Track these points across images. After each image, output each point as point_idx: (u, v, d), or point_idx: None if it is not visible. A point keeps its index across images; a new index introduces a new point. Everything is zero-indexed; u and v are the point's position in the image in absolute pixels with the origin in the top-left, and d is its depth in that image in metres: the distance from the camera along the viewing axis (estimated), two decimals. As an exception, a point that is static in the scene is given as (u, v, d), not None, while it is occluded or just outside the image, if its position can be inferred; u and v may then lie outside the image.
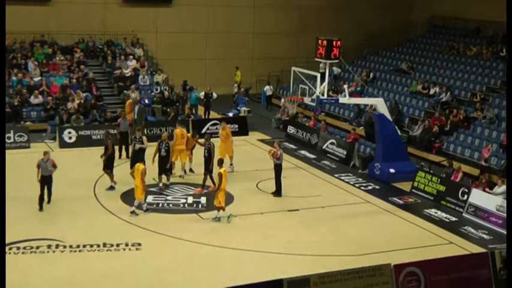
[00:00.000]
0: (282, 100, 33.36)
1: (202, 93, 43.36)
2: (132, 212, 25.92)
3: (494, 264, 20.08)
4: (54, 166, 26.41)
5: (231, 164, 32.61)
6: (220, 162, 26.19)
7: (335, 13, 54.03)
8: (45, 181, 26.26)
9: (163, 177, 29.56)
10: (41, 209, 26.00)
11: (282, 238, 24.45)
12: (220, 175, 25.39)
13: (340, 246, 23.93)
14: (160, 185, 29.37)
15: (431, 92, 41.58)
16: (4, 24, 27.09)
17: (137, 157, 28.72)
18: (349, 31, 51.21)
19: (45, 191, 26.35)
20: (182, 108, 43.03)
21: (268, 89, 49.46)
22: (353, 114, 42.73)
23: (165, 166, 29.38)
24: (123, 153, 33.90)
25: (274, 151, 29.38)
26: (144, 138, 30.39)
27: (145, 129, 37.18)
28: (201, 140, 31.14)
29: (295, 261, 22.29)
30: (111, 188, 29.00)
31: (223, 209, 25.75)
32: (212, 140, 30.11)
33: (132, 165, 28.51)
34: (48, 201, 26.54)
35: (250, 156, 33.24)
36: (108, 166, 29.32)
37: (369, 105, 40.24)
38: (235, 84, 49.84)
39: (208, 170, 29.02)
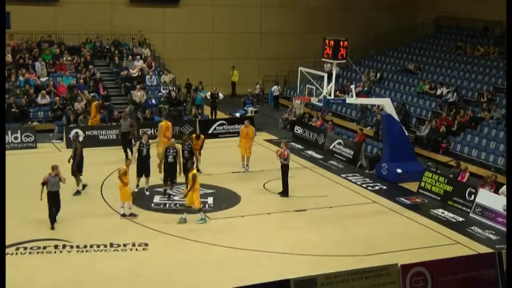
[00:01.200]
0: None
1: (208, 94, 43.39)
2: (123, 215, 25.69)
3: (501, 264, 20.04)
4: (62, 180, 24.72)
5: (247, 165, 32.69)
6: (192, 164, 26.31)
7: (342, 13, 54.02)
8: (55, 198, 24.31)
9: (168, 184, 28.62)
10: (52, 227, 24.27)
11: (289, 238, 24.45)
12: (194, 176, 25.05)
13: (347, 246, 23.91)
14: (168, 191, 28.58)
15: (438, 92, 41.52)
16: (4, 24, 27.02)
17: (145, 163, 28.42)
18: (356, 31, 51.24)
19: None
20: (190, 109, 43.11)
21: (276, 89, 49.42)
22: (359, 114, 42.66)
23: (172, 173, 28.27)
24: (129, 153, 33.85)
25: (281, 151, 29.38)
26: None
27: (152, 130, 37.31)
28: (202, 142, 31.38)
29: (302, 261, 22.27)
30: (78, 192, 28.25)
31: (200, 210, 25.54)
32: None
33: (138, 172, 28.41)
34: (55, 219, 24.56)
35: (257, 157, 33.23)
36: (78, 170, 28.44)
37: (376, 106, 40.25)
38: (258, 86, 49.74)
39: (187, 171, 27.63)
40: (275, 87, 49.62)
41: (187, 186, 26.92)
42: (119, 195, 25.78)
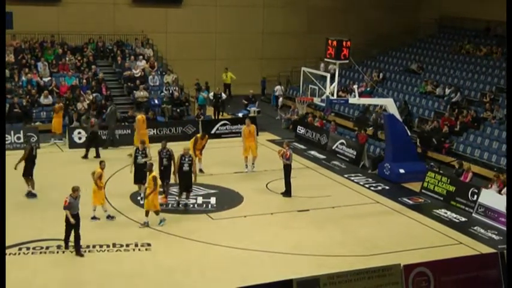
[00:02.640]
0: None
1: (211, 94, 43.38)
2: (108, 217, 25.42)
3: (504, 264, 20.04)
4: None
5: (252, 164, 32.74)
6: (151, 166, 25.28)
7: (344, 14, 53.94)
8: (75, 219, 22.32)
9: (184, 194, 27.54)
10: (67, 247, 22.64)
11: (292, 238, 24.46)
12: (154, 179, 24.54)
13: (349, 246, 23.92)
14: (181, 202, 27.41)
15: (441, 91, 41.52)
16: (4, 24, 26.99)
17: (141, 172, 26.96)
18: (358, 31, 51.12)
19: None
20: (192, 109, 43.17)
21: (278, 89, 49.29)
22: (360, 114, 42.65)
23: (188, 182, 27.21)
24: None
25: (283, 151, 29.37)
26: (148, 149, 28.26)
27: (155, 130, 37.41)
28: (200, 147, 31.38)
29: (305, 262, 22.29)
30: (31, 195, 27.59)
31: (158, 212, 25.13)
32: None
33: (135, 180, 27.75)
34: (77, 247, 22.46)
35: (259, 157, 33.19)
36: (28, 172, 27.68)
37: (379, 106, 40.22)
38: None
39: (168, 178, 27.45)
40: (278, 87, 49.54)
41: (163, 192, 27.07)
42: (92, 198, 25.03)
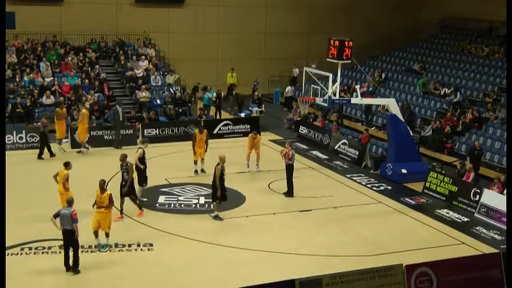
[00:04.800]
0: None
1: (214, 94, 43.51)
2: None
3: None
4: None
5: (257, 164, 32.86)
6: (103, 184, 22.91)
7: (347, 14, 53.94)
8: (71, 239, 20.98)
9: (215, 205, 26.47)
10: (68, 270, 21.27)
11: (294, 238, 24.47)
12: (110, 196, 22.81)
13: (352, 246, 23.91)
14: (213, 214, 26.30)
15: (442, 91, 41.59)
16: (4, 24, 27.02)
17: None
18: (360, 31, 51.08)
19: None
20: (194, 109, 43.25)
21: (289, 90, 49.19)
22: (364, 115, 42.67)
23: (222, 190, 25.99)
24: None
25: (286, 151, 29.38)
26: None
27: (158, 130, 37.45)
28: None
29: (307, 262, 22.30)
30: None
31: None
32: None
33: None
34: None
35: (262, 157, 33.21)
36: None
37: (381, 106, 40.25)
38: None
39: (134, 194, 26.03)
40: (289, 88, 49.49)
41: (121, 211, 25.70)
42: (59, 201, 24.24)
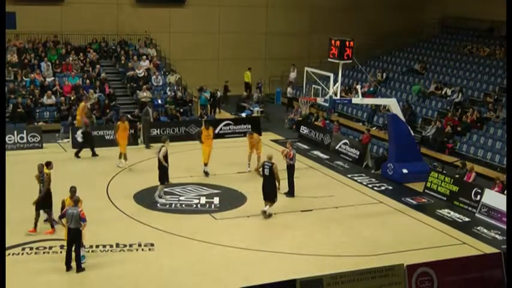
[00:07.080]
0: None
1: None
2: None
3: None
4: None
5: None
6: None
7: (348, 14, 53.94)
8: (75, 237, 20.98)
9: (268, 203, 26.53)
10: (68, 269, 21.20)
11: (295, 238, 24.47)
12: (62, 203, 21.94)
13: (353, 246, 23.91)
14: (265, 212, 26.35)
15: (442, 90, 41.62)
16: (4, 24, 27.01)
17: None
18: (362, 31, 51.10)
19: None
20: (195, 109, 43.34)
21: (290, 92, 49.28)
22: (366, 115, 42.66)
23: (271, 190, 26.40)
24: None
25: (287, 151, 29.41)
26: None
27: (159, 130, 37.48)
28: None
29: (308, 262, 22.29)
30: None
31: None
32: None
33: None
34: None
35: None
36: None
37: (382, 106, 40.24)
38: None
39: (49, 207, 23.85)
40: (289, 89, 49.56)
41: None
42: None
